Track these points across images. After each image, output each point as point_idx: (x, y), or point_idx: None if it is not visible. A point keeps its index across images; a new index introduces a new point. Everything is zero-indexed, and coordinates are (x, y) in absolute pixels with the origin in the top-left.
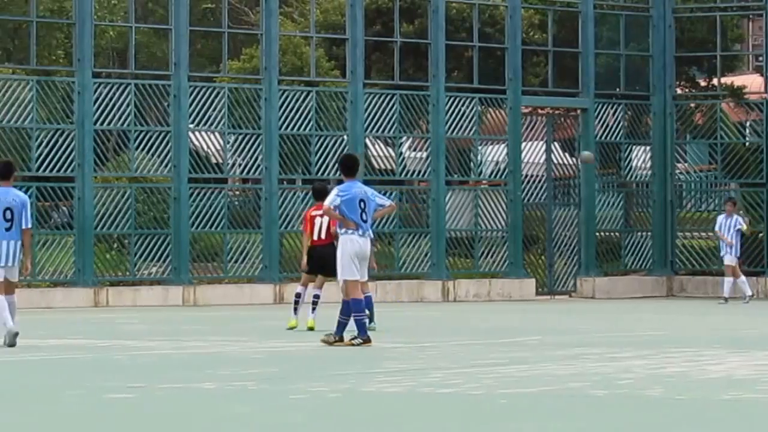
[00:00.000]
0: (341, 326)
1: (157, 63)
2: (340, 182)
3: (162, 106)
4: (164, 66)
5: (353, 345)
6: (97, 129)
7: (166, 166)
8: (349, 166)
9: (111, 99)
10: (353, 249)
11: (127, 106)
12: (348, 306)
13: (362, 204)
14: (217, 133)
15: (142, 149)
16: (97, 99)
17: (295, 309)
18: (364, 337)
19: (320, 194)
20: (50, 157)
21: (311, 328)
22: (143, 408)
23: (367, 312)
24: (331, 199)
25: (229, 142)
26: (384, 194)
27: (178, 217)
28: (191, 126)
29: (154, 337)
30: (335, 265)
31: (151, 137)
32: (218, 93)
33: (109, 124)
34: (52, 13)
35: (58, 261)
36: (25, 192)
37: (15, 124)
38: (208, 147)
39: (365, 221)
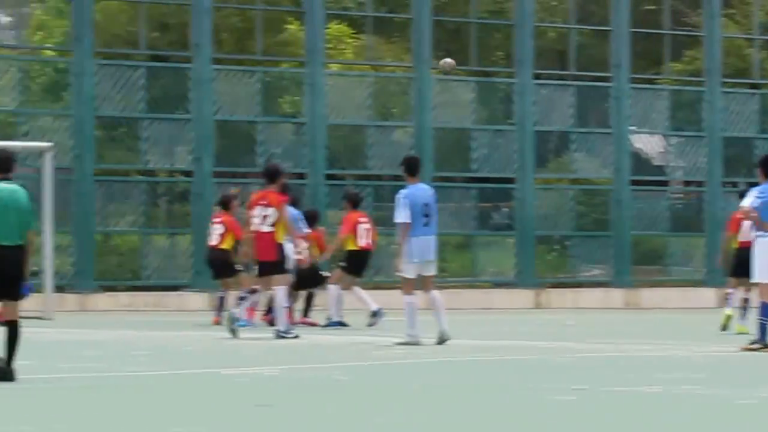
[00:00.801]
0: (763, 329)
1: (597, 64)
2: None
3: (603, 107)
4: (604, 67)
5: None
6: (537, 130)
7: (607, 168)
8: None
9: (551, 100)
10: None
11: (568, 107)
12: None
13: None
14: (659, 135)
15: (583, 151)
16: (537, 100)
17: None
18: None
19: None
20: (490, 158)
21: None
22: (585, 410)
23: None
24: (751, 200)
25: (671, 144)
26: None
27: (619, 220)
28: (633, 128)
29: (597, 339)
30: None
31: (592, 139)
32: (660, 95)
33: (549, 125)
34: (491, 14)
35: (499, 262)
36: (466, 193)
37: (456, 125)
38: (650, 149)
39: None
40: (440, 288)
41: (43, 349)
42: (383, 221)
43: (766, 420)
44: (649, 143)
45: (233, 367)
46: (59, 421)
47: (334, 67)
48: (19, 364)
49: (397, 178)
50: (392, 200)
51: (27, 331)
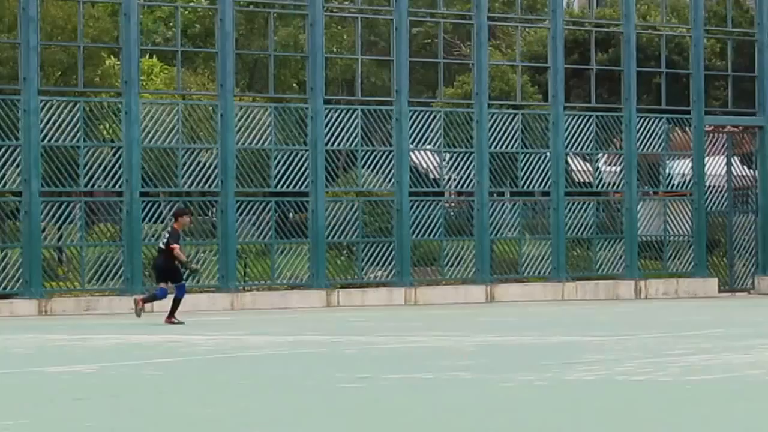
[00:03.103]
0: None
1: (381, 90)
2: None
3: (385, 128)
4: (387, 93)
5: None
6: (328, 149)
7: (389, 181)
8: None
9: (340, 123)
10: None
11: (355, 128)
12: None
13: None
14: (434, 152)
15: (369, 167)
16: (328, 123)
17: None
18: None
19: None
20: (287, 175)
21: None
22: (369, 396)
23: None
24: None
25: (445, 160)
26: (582, 204)
27: (400, 227)
28: (412, 146)
29: (381, 333)
30: None
31: (376, 156)
32: (435, 116)
33: (338, 144)
34: (286, 47)
35: (295, 266)
36: (266, 206)
37: (256, 146)
38: (427, 164)
39: None
40: (244, 291)
41: None
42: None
43: (521, 400)
44: (425, 159)
45: (57, 366)
46: None
47: (147, 96)
48: None
49: (204, 194)
50: (201, 213)
51: None
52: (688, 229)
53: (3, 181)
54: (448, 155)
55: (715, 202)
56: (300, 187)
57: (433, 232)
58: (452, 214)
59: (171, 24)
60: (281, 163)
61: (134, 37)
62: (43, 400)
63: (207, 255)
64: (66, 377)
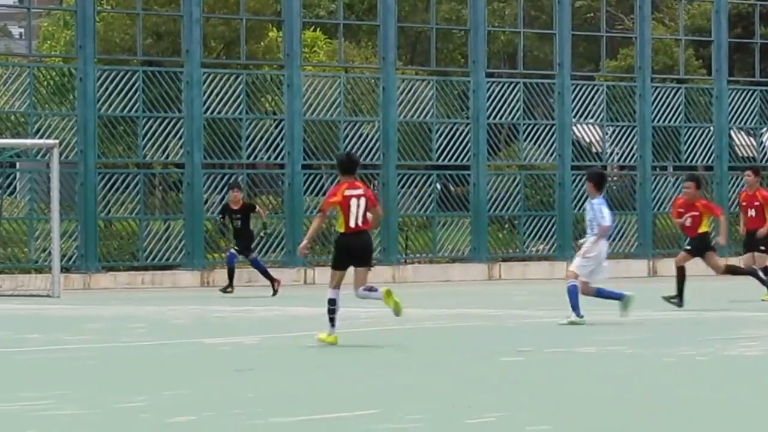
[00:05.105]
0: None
1: (542, 64)
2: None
3: (548, 102)
4: (549, 66)
5: None
6: (490, 123)
7: (551, 155)
8: None
9: (502, 96)
10: None
11: (517, 102)
12: None
13: None
14: (596, 126)
15: (530, 140)
16: (489, 96)
17: (332, 320)
18: None
19: (353, 167)
20: (448, 148)
21: None
22: (532, 369)
23: None
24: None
25: (607, 133)
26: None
27: (562, 200)
28: (573, 119)
29: (541, 307)
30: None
31: (538, 129)
32: (597, 90)
33: (500, 118)
34: (449, 21)
35: (456, 239)
36: (427, 179)
37: (417, 119)
38: (589, 138)
39: None
40: (405, 264)
41: (50, 324)
42: None
43: (682, 375)
44: (588, 133)
45: (217, 337)
46: (62, 387)
47: (310, 69)
48: (28, 336)
49: (365, 167)
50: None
51: (36, 308)
52: None
53: (166, 153)
54: (610, 129)
55: None
56: (461, 160)
57: None
58: (614, 188)
59: None
60: (443, 136)
61: (296, 10)
62: (203, 372)
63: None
64: (226, 348)
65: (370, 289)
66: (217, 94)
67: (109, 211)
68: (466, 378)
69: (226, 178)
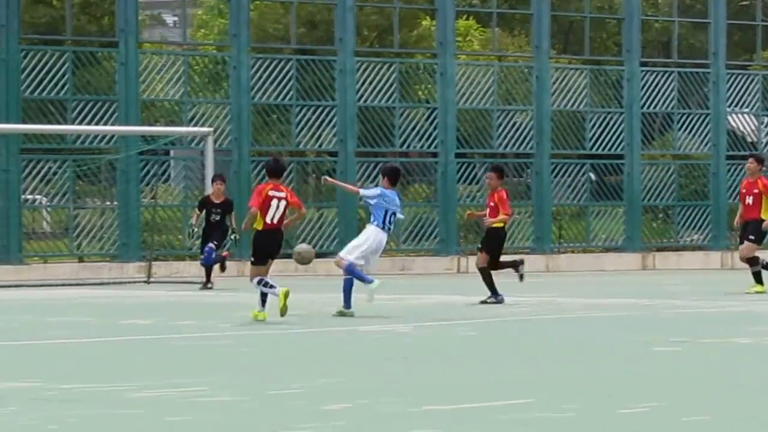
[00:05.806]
0: None
1: (697, 53)
2: None
3: (702, 91)
4: (703, 55)
5: None
6: (644, 112)
7: (706, 144)
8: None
9: (656, 85)
10: None
11: (671, 91)
12: None
13: None
14: (752, 115)
15: (684, 130)
16: (644, 85)
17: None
18: None
19: (279, 171)
20: (602, 137)
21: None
22: (685, 360)
23: None
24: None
25: (763, 123)
26: None
27: (717, 190)
28: (728, 109)
29: (696, 297)
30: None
31: (692, 119)
32: (753, 79)
33: (654, 107)
34: (602, 10)
35: (610, 229)
36: (580, 168)
37: (571, 108)
38: (744, 127)
39: None
40: (558, 253)
41: (204, 310)
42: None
43: None
44: (742, 122)
45: (370, 325)
46: (217, 374)
47: (463, 58)
48: (182, 323)
49: (518, 156)
50: (515, 176)
51: (190, 294)
52: None
53: (319, 142)
54: (766, 118)
55: None
56: (615, 149)
57: None
58: None
59: None
60: (596, 126)
61: None
62: (357, 359)
63: (522, 217)
64: (378, 336)
65: (272, 285)
66: (370, 83)
67: None
68: (619, 368)
69: (379, 166)
